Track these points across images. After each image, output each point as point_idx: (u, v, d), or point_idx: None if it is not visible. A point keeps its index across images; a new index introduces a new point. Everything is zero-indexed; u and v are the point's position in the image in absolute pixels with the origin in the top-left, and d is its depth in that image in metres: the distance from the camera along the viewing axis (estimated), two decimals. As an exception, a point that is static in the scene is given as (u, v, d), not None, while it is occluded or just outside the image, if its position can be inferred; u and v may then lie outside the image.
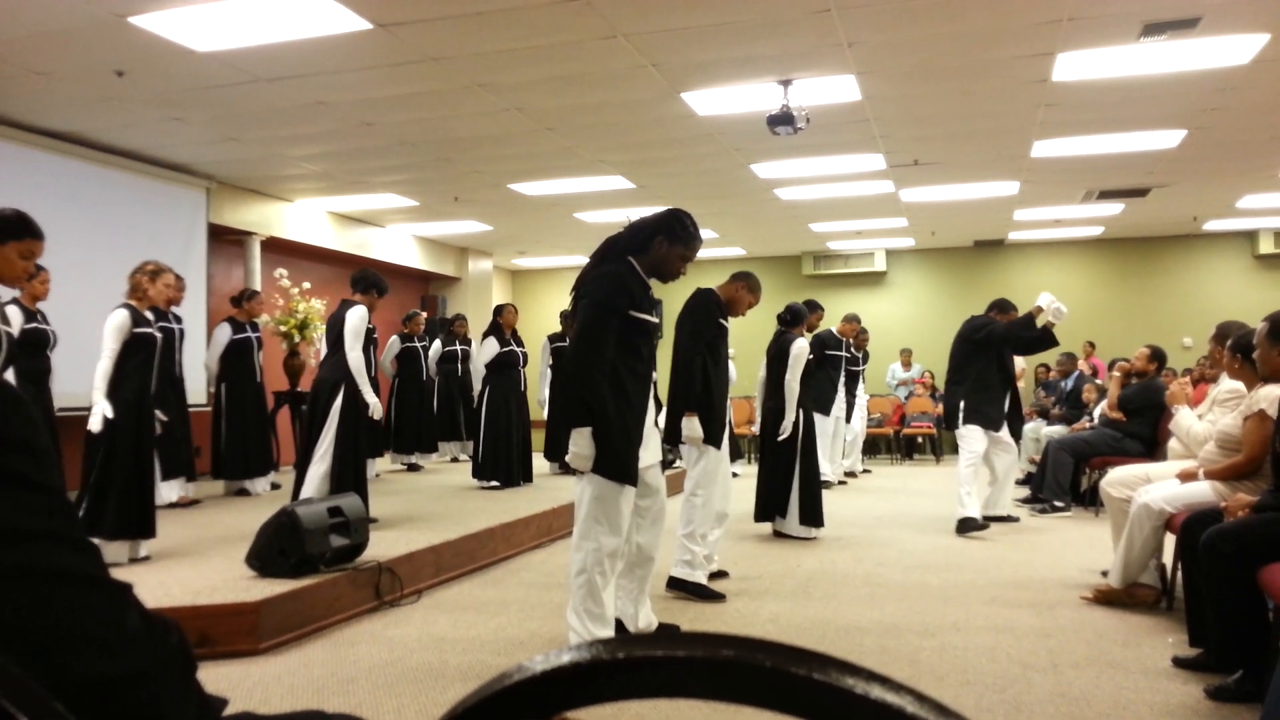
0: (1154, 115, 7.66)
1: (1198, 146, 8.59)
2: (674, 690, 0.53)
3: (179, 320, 7.23)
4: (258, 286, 10.17)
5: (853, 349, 10.14)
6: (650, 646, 0.54)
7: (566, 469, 9.28)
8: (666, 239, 3.82)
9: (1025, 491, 8.45)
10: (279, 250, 10.68)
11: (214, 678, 3.57)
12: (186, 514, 6.82)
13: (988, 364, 6.84)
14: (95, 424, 4.88)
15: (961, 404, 6.83)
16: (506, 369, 8.53)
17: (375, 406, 6.02)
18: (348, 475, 5.75)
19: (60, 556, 0.83)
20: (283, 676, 3.70)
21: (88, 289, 7.99)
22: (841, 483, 9.95)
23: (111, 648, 0.84)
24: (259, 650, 3.94)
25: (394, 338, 10.29)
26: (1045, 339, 6.68)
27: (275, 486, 8.18)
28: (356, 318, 5.95)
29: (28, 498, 0.83)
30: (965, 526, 6.61)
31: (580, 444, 3.56)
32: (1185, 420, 4.83)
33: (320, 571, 4.47)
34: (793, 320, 6.68)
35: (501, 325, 8.63)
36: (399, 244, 12.78)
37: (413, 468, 10.25)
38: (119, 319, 5.05)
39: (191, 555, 5.11)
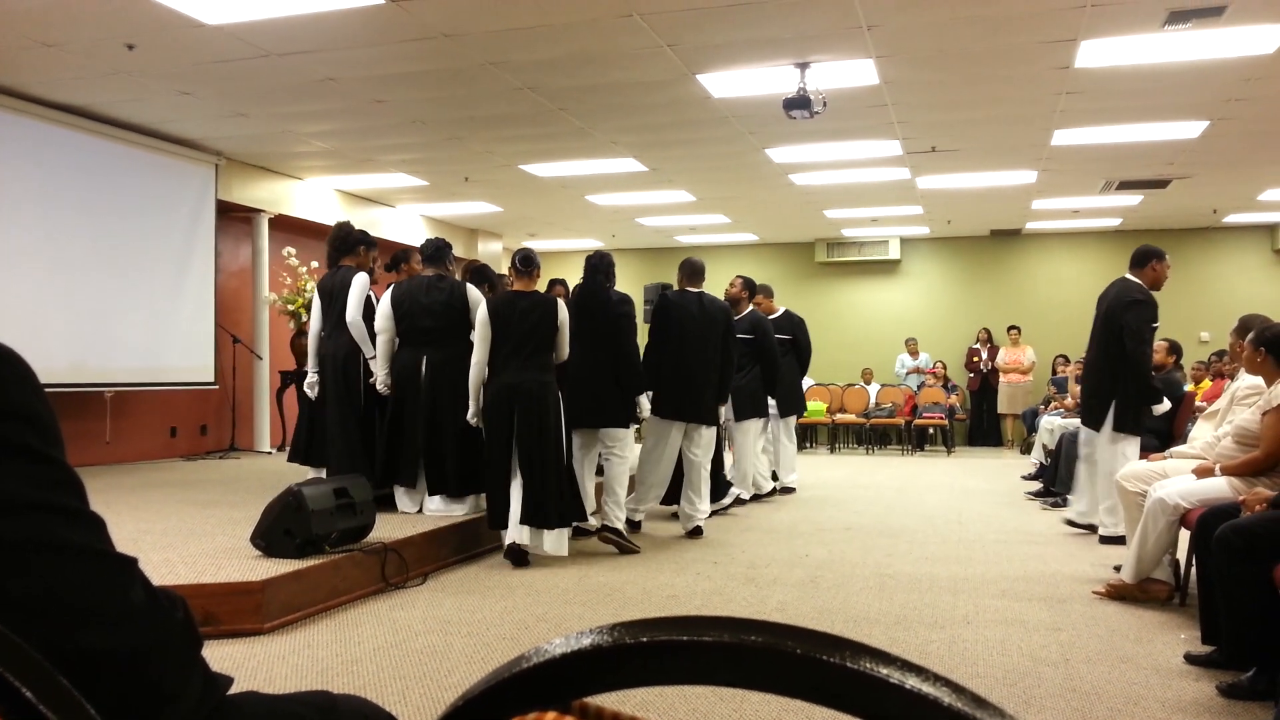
0: (1176, 105, 7.56)
1: (1220, 138, 8.48)
2: (698, 677, 0.50)
3: None
4: (265, 265, 10.14)
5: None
6: (675, 631, 0.50)
7: None
8: None
9: (1037, 485, 8.38)
10: (287, 228, 10.65)
11: (219, 657, 3.55)
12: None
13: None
14: None
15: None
16: None
17: None
18: None
19: (62, 529, 0.81)
20: (287, 656, 3.67)
21: (96, 264, 8.00)
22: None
23: (114, 621, 0.82)
24: (264, 630, 3.92)
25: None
26: None
27: None
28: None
29: (29, 469, 0.81)
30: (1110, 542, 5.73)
31: None
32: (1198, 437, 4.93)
33: (326, 552, 4.44)
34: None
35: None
36: (408, 224, 12.74)
37: None
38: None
39: (197, 533, 5.10)
